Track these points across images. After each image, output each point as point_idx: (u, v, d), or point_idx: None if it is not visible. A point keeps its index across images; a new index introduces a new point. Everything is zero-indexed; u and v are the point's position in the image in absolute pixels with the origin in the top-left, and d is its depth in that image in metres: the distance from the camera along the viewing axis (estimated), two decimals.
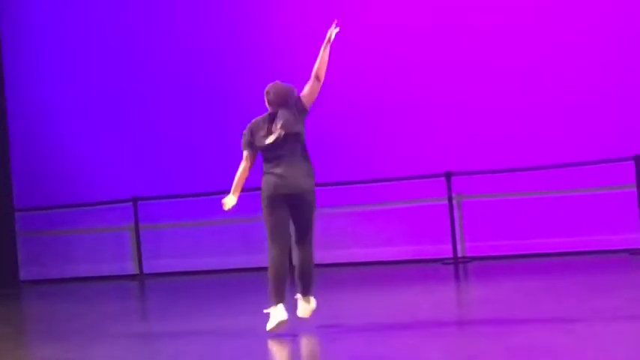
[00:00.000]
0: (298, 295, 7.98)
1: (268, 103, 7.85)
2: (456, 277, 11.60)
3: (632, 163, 12.15)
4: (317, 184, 7.98)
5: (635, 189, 12.14)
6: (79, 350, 7.84)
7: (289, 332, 7.65)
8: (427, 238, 13.26)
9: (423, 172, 13.09)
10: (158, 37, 14.86)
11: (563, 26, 12.86)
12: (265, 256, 14.15)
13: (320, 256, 13.58)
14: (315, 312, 7.99)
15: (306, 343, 7.51)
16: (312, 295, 7.99)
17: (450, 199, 13.02)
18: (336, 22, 7.95)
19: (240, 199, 14.72)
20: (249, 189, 14.27)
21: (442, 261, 12.90)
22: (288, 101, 7.77)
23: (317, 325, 7.98)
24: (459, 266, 12.55)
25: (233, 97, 14.37)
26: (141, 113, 14.96)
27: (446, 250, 13.04)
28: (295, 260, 7.96)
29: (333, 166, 13.39)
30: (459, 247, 13.06)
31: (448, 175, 13.01)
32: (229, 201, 8.03)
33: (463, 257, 13.04)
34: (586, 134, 12.66)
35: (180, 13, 14.79)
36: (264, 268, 14.24)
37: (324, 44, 7.90)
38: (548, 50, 12.92)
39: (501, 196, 13.10)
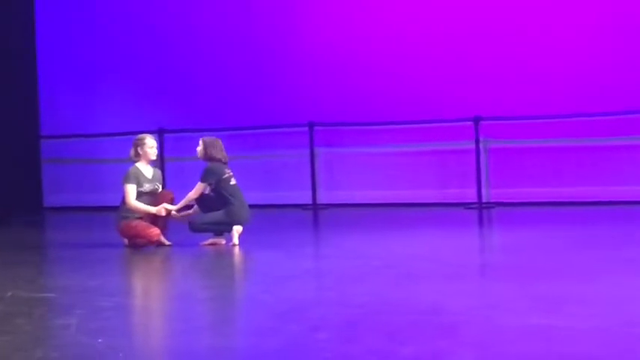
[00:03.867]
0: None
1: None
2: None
3: (471, 123, 12.83)
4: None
5: (473, 146, 12.81)
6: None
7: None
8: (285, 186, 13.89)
9: (286, 122, 13.75)
10: None
11: None
12: None
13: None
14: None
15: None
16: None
17: (311, 150, 13.65)
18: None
19: None
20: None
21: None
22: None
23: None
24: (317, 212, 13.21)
25: None
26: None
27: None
28: None
29: (227, 112, 14.05)
30: (321, 195, 13.69)
31: (311, 125, 13.64)
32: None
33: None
34: (428, 95, 13.15)
35: None
36: None
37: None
38: (397, 10, 13.40)
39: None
